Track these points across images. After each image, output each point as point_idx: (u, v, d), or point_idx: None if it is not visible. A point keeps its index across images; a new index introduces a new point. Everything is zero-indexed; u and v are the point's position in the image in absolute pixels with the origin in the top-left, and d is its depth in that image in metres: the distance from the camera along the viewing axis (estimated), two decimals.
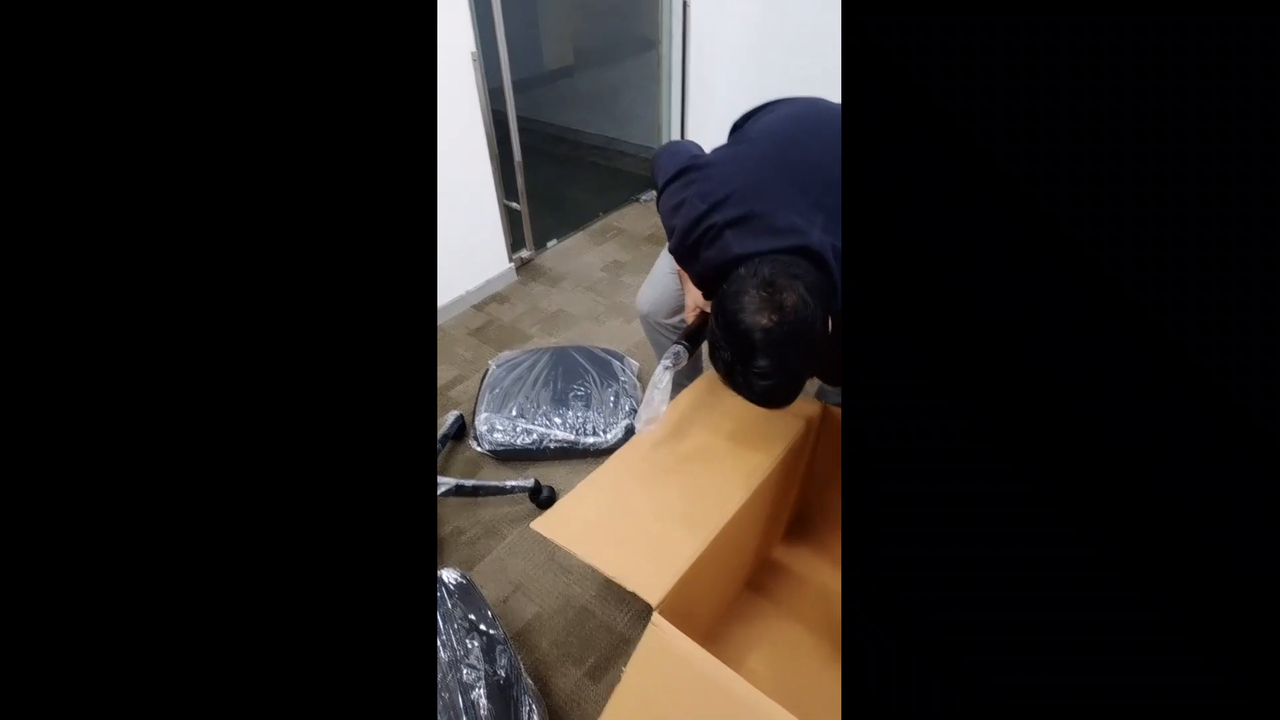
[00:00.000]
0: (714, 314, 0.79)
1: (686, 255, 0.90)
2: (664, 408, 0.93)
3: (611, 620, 1.13)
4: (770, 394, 0.79)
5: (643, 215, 2.60)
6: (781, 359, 0.74)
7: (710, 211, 0.85)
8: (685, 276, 0.99)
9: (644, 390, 1.60)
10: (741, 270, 0.77)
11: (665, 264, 1.21)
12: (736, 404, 1.05)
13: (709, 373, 1.11)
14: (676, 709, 0.69)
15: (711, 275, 0.85)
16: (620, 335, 1.93)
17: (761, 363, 0.74)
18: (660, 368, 0.93)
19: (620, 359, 1.62)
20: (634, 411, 1.52)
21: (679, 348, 0.95)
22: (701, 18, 2.36)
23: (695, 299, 1.00)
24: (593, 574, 1.12)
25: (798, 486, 1.11)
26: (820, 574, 1.10)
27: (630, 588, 0.75)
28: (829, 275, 0.79)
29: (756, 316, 0.73)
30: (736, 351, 0.76)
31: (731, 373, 0.79)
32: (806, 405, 1.03)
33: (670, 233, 0.92)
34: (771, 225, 0.81)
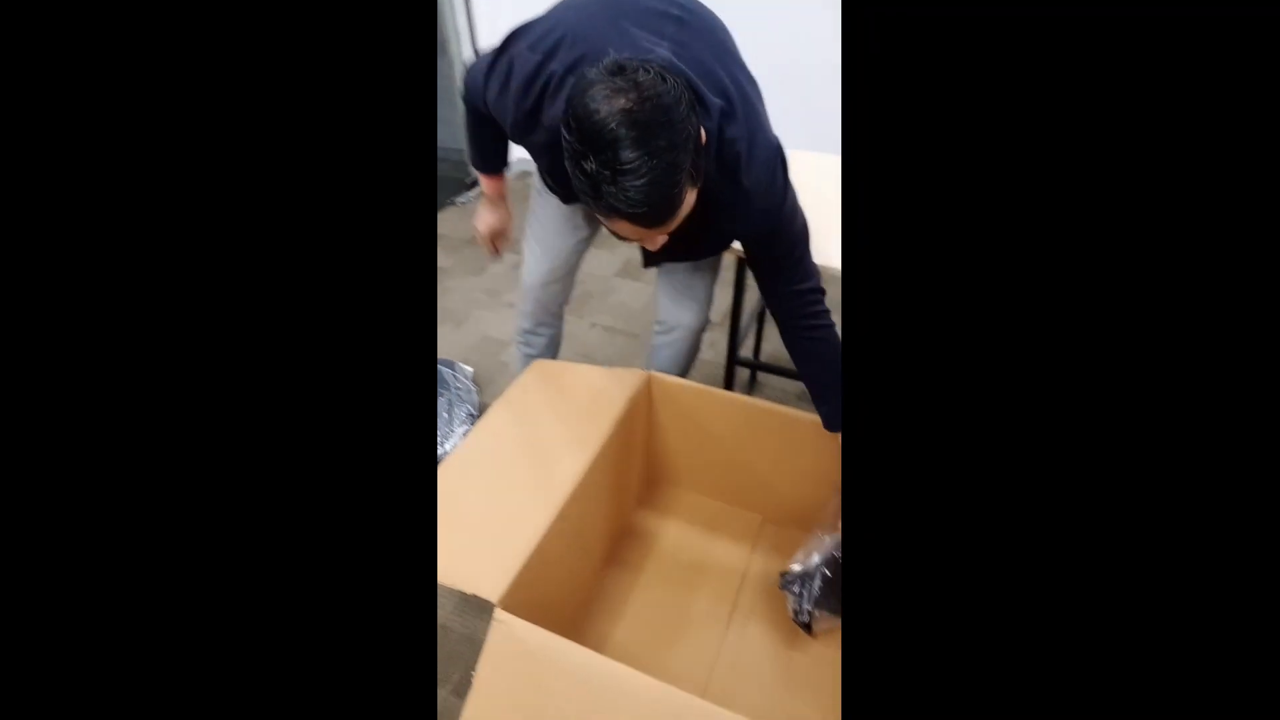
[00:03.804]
0: (565, 123, 0.68)
1: (528, 124, 0.81)
2: None
3: (472, 631, 1.08)
4: (649, 194, 0.66)
5: (462, 217, 2.52)
6: (648, 146, 0.65)
7: (545, 61, 0.77)
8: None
9: (479, 390, 1.55)
10: (587, 71, 0.68)
11: (532, 224, 1.15)
12: (565, 387, 1.04)
13: (537, 363, 1.09)
14: (535, 702, 0.66)
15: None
16: (449, 342, 1.86)
17: (628, 155, 0.64)
18: None
19: (451, 366, 1.55)
20: (472, 417, 1.46)
21: None
22: (486, 23, 2.34)
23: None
24: (446, 589, 1.06)
25: (640, 453, 1.12)
26: (669, 530, 1.12)
27: (469, 590, 0.72)
28: (686, 82, 0.71)
29: (611, 102, 0.64)
30: (598, 153, 0.65)
31: (599, 188, 0.67)
32: (632, 375, 1.04)
33: (505, 119, 0.84)
34: None
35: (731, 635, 0.97)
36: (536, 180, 1.10)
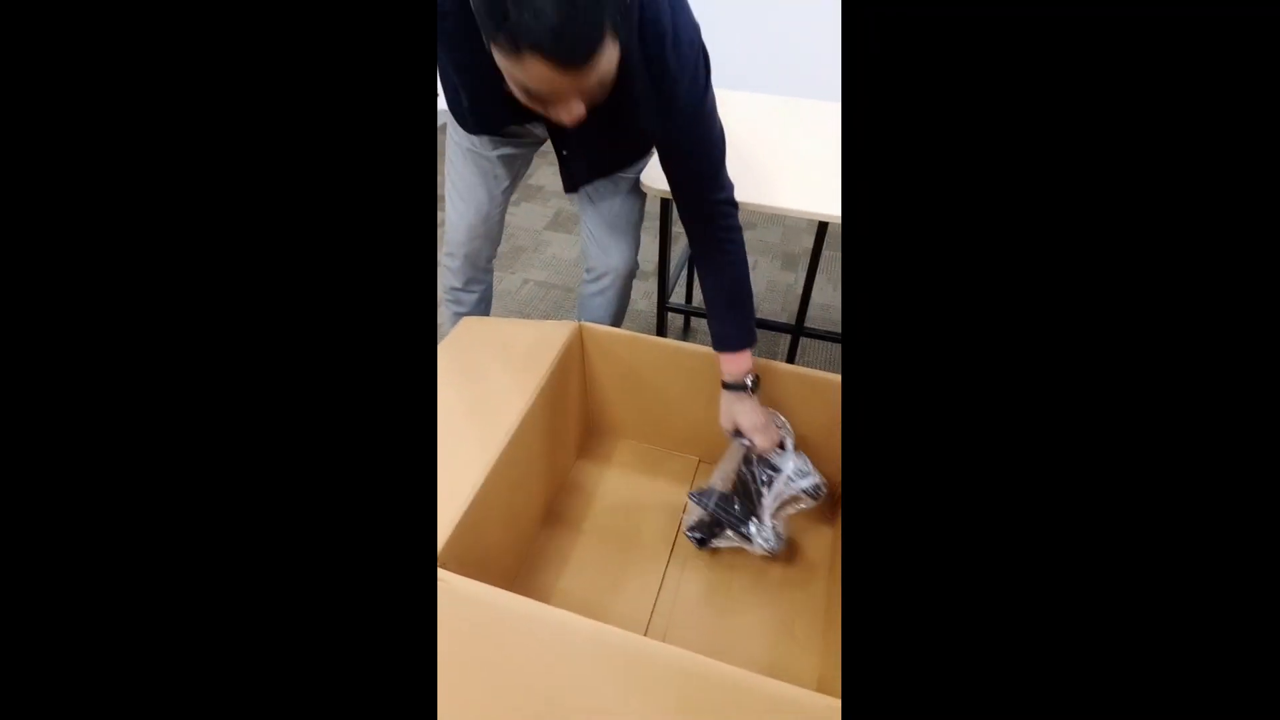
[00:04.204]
0: None
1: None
2: None
3: None
4: (563, 11, 0.58)
5: None
6: None
7: None
8: None
9: None
10: None
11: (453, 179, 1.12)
12: (495, 343, 1.03)
13: (466, 320, 1.07)
14: (482, 657, 0.68)
15: None
16: None
17: None
18: None
19: None
20: None
21: None
22: None
23: None
24: None
25: (576, 404, 1.13)
26: (609, 478, 1.15)
27: None
28: None
29: None
30: None
31: (504, 10, 0.58)
32: (562, 327, 1.04)
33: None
34: None
35: (670, 573, 1.01)
36: (452, 130, 1.06)
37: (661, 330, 1.44)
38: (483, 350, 1.01)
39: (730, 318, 0.94)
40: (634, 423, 1.18)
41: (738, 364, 0.94)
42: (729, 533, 0.98)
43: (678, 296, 1.76)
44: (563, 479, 1.13)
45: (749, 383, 0.95)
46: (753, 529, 0.96)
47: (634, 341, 1.07)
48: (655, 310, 1.46)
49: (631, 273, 1.20)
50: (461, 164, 1.09)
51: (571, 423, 1.13)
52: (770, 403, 1.00)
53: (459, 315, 1.26)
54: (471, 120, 0.99)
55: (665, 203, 1.21)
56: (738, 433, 0.97)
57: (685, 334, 1.76)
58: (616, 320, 1.27)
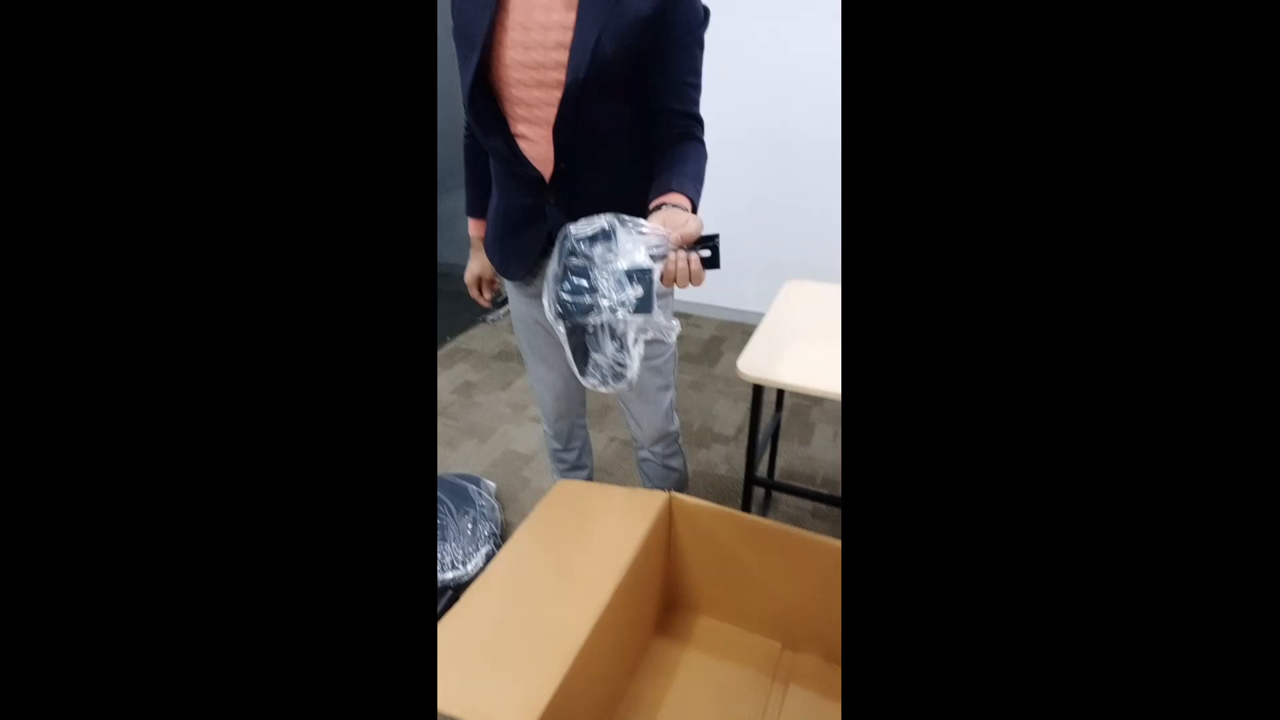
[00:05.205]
0: None
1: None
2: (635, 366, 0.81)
3: None
4: None
5: (491, 334, 2.64)
6: None
7: None
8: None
9: (501, 508, 1.57)
10: None
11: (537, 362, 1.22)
12: (589, 510, 1.07)
13: (561, 483, 1.13)
14: None
15: None
16: (476, 457, 1.90)
17: None
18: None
19: (476, 482, 1.59)
20: (494, 536, 1.48)
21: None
22: None
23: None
24: None
25: (660, 578, 1.13)
26: (688, 660, 1.11)
27: None
28: None
29: None
30: None
31: None
32: (654, 498, 1.08)
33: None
34: None
35: None
36: (513, 302, 1.18)
37: (746, 503, 1.45)
38: (576, 517, 1.05)
39: (693, 177, 0.90)
40: (715, 599, 1.17)
41: (682, 200, 0.86)
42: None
43: (760, 468, 1.77)
44: (640, 658, 1.11)
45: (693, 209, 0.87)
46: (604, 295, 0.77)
47: (723, 517, 1.08)
48: (734, 477, 1.47)
49: (669, 436, 1.24)
50: (531, 336, 1.19)
51: (653, 596, 1.13)
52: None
53: (565, 475, 1.33)
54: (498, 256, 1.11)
55: (758, 388, 1.27)
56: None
57: (765, 506, 1.74)
58: (680, 484, 1.31)
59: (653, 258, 0.76)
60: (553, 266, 0.79)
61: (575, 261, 0.78)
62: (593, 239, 0.77)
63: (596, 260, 0.77)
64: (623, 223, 0.77)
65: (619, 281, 0.76)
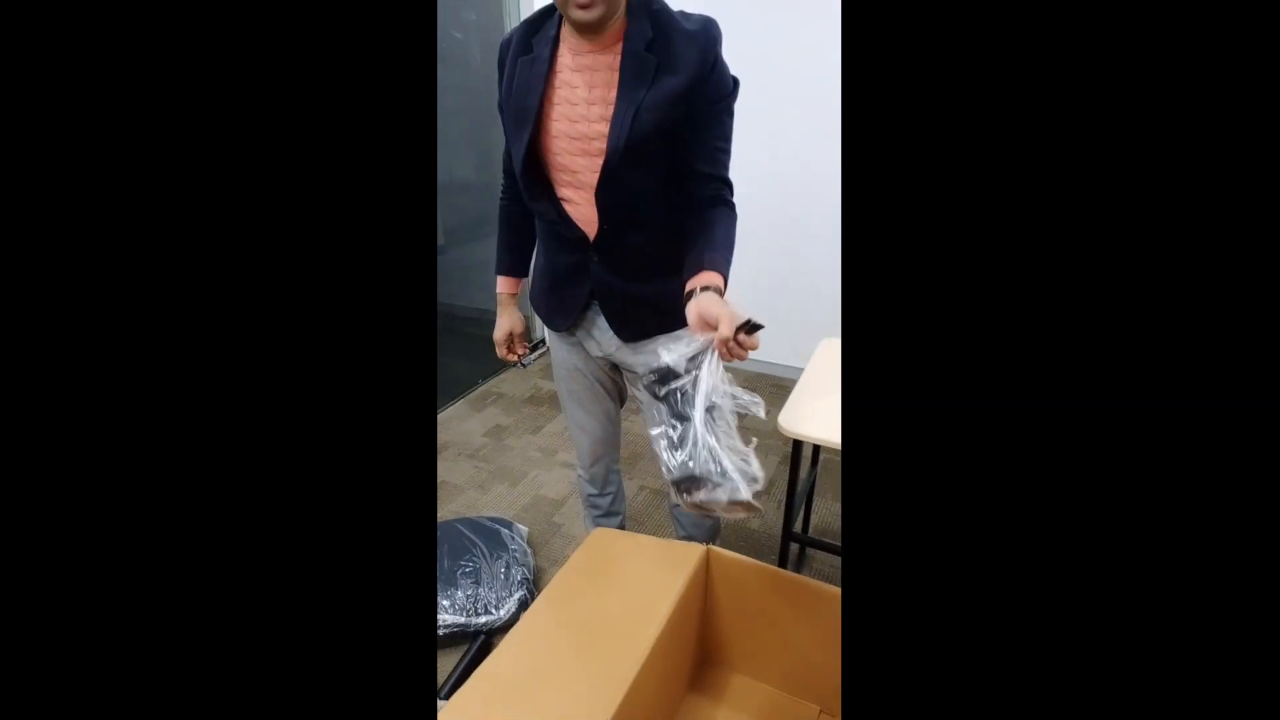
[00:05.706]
0: None
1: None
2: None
3: None
4: None
5: (522, 378, 2.67)
6: None
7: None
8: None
9: (532, 553, 1.56)
10: None
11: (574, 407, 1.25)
12: (624, 562, 1.07)
13: (598, 531, 1.13)
14: None
15: None
16: (507, 501, 1.91)
17: None
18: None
19: (509, 526, 1.59)
20: (526, 581, 1.47)
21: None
22: None
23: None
24: None
25: (694, 633, 1.11)
26: None
27: None
28: None
29: None
30: None
31: None
32: (690, 550, 1.07)
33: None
34: None
35: None
36: (554, 348, 1.21)
37: (783, 559, 1.42)
38: (612, 566, 1.04)
39: (723, 246, 0.95)
40: (749, 656, 1.14)
41: (715, 279, 0.90)
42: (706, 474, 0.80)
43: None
44: (673, 715, 1.08)
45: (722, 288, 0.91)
46: (727, 464, 0.79)
47: (761, 572, 1.07)
48: (767, 532, 1.45)
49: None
50: (570, 381, 1.22)
51: (689, 651, 1.10)
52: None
53: (598, 521, 1.33)
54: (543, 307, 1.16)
55: (797, 443, 1.27)
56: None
57: (800, 563, 1.71)
58: (713, 532, 1.31)
59: (694, 357, 0.83)
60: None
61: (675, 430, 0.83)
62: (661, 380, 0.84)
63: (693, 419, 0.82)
64: (670, 350, 0.83)
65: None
